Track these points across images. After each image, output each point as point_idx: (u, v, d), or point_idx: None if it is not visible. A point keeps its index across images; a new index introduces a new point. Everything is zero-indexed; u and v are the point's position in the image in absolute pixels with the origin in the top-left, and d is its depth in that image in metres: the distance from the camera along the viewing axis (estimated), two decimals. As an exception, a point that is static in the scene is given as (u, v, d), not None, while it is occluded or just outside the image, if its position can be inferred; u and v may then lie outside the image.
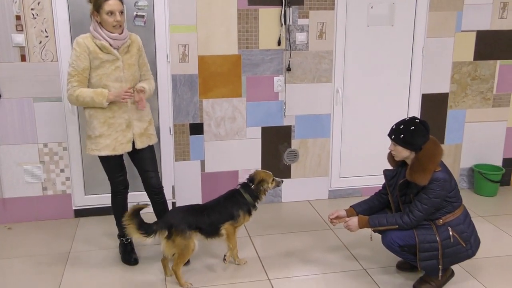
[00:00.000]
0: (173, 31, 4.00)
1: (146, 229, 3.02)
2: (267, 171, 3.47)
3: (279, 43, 4.21)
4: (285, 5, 4.12)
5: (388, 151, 3.14)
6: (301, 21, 4.20)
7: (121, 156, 3.34)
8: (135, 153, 3.36)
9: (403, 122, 3.01)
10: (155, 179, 3.42)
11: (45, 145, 4.02)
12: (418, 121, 2.96)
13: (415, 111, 4.57)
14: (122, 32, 3.15)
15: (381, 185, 3.31)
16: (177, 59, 4.06)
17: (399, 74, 4.50)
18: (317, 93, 4.38)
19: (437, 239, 2.93)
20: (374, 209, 3.27)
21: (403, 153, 2.98)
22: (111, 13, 3.05)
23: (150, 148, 3.40)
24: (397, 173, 3.14)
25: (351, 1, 4.26)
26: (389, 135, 3.03)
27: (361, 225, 3.09)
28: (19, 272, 3.40)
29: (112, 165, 3.34)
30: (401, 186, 3.05)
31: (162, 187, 3.46)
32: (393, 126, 3.03)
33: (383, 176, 3.21)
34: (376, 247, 3.52)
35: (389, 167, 3.22)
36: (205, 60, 4.11)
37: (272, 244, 3.78)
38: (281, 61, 4.25)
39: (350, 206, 3.32)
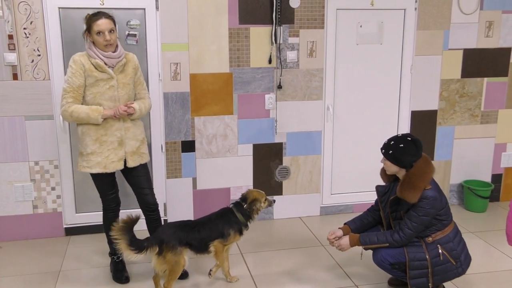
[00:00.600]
0: (165, 50, 4.04)
1: (137, 246, 3.01)
2: (260, 191, 3.48)
3: (270, 61, 4.26)
4: (275, 24, 4.18)
5: (381, 166, 3.18)
6: (292, 40, 4.26)
7: (113, 173, 3.34)
8: (128, 171, 3.36)
9: (394, 138, 3.05)
10: (150, 196, 3.42)
11: (36, 163, 4.01)
12: (410, 139, 2.99)
13: (405, 128, 4.62)
14: (115, 51, 3.18)
15: (374, 201, 3.33)
16: (169, 77, 4.09)
17: (388, 91, 4.56)
18: (308, 110, 4.42)
19: (427, 257, 2.95)
20: (368, 225, 3.29)
21: (392, 168, 3.02)
22: (100, 32, 3.09)
23: (144, 166, 3.41)
24: (389, 189, 3.17)
25: (341, 20, 4.33)
26: (381, 149, 3.07)
27: (352, 244, 3.10)
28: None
29: (104, 182, 3.34)
30: (392, 202, 3.07)
31: (157, 204, 3.46)
32: (385, 141, 3.07)
33: (375, 192, 3.24)
34: (367, 264, 3.53)
35: (382, 182, 3.25)
36: (196, 78, 4.15)
37: (264, 262, 3.78)
38: (272, 79, 4.30)
39: (345, 224, 3.33)
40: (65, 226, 4.18)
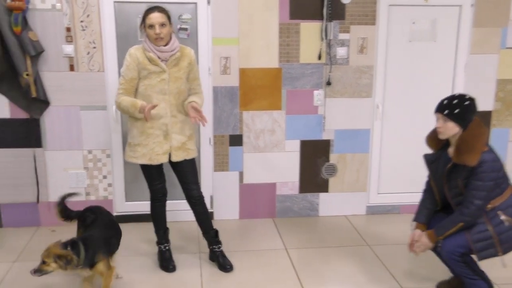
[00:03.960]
0: (216, 44, 4.08)
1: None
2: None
3: (319, 57, 4.24)
4: (326, 19, 4.15)
5: (427, 133, 3.06)
6: (342, 36, 4.21)
7: (160, 165, 3.40)
8: (174, 165, 3.41)
9: (456, 97, 2.89)
10: (196, 191, 3.45)
11: (90, 152, 4.14)
12: (468, 97, 2.87)
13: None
14: (166, 44, 3.21)
15: (425, 185, 3.20)
16: (219, 71, 4.13)
17: (441, 90, 4.43)
18: (357, 108, 4.37)
19: (489, 227, 2.82)
20: (431, 211, 3.13)
21: (453, 130, 2.86)
22: (152, 26, 3.14)
23: (190, 161, 3.41)
24: (438, 157, 3.04)
25: (393, 17, 4.25)
26: (440, 110, 2.89)
27: (432, 240, 2.95)
28: (60, 274, 3.49)
29: (151, 173, 3.41)
30: (448, 171, 2.91)
31: (203, 197, 3.49)
32: (443, 101, 2.90)
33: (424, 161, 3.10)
34: (413, 263, 3.46)
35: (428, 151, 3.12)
36: (246, 73, 4.17)
37: (308, 258, 3.76)
38: (321, 75, 4.27)
39: (415, 221, 3.14)
40: (115, 214, 4.30)
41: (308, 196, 4.50)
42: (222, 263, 3.53)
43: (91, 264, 2.92)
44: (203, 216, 3.50)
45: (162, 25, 3.15)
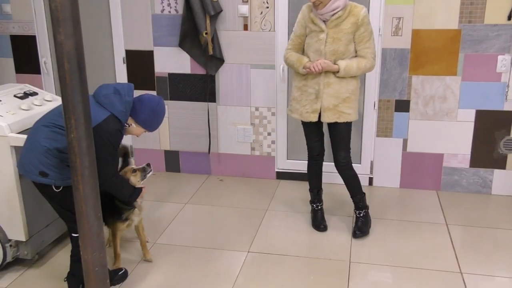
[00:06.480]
0: (389, 3, 3.87)
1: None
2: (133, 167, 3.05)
3: (509, 18, 3.74)
4: (522, -27, 3.63)
5: None
6: (541, -8, 3.65)
7: (317, 123, 3.39)
8: (329, 126, 3.37)
9: None
10: (341, 157, 3.37)
11: (257, 109, 4.35)
12: None
13: None
14: (322, 8, 3.09)
15: None
16: (390, 32, 3.93)
17: None
18: (551, 76, 3.79)
19: None
20: None
21: None
22: None
23: (342, 125, 3.31)
24: None
25: None
26: None
27: None
28: (225, 218, 3.82)
29: (308, 130, 3.46)
30: None
31: (350, 163, 3.40)
32: None
33: None
34: None
35: None
36: (419, 34, 3.89)
37: (472, 237, 3.48)
38: (509, 38, 3.77)
39: None
40: (276, 170, 4.49)
41: (481, 172, 4.10)
42: (354, 228, 3.51)
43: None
44: (351, 181, 3.45)
45: None
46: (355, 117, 3.35)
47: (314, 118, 3.32)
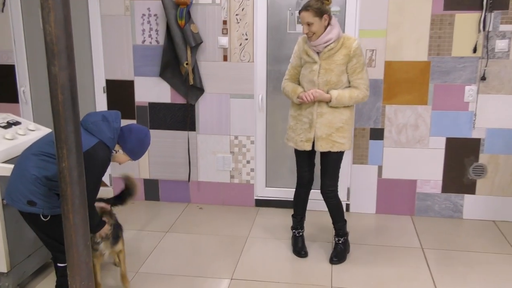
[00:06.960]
0: (362, 36, 4.06)
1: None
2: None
3: (474, 51, 3.97)
4: (486, 9, 3.87)
5: None
6: (504, 27, 3.89)
7: (309, 152, 3.47)
8: (321, 154, 3.44)
9: None
10: (328, 185, 3.44)
11: (236, 137, 4.43)
12: None
13: None
14: (316, 40, 3.22)
15: None
16: (364, 63, 4.11)
17: None
18: (515, 106, 4.01)
19: None
20: None
21: None
22: (302, 24, 3.24)
23: (333, 154, 3.38)
24: None
25: None
26: None
27: None
28: (206, 246, 3.84)
29: (299, 158, 3.54)
30: None
31: (335, 191, 3.48)
32: None
33: None
34: None
35: None
36: (391, 66, 4.09)
37: (446, 260, 3.60)
38: (475, 69, 4.00)
39: None
40: (255, 198, 4.56)
41: (452, 197, 4.27)
42: (332, 254, 3.58)
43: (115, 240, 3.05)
44: (335, 208, 3.53)
45: (309, 24, 3.18)
46: (349, 147, 3.42)
47: (308, 147, 3.39)
